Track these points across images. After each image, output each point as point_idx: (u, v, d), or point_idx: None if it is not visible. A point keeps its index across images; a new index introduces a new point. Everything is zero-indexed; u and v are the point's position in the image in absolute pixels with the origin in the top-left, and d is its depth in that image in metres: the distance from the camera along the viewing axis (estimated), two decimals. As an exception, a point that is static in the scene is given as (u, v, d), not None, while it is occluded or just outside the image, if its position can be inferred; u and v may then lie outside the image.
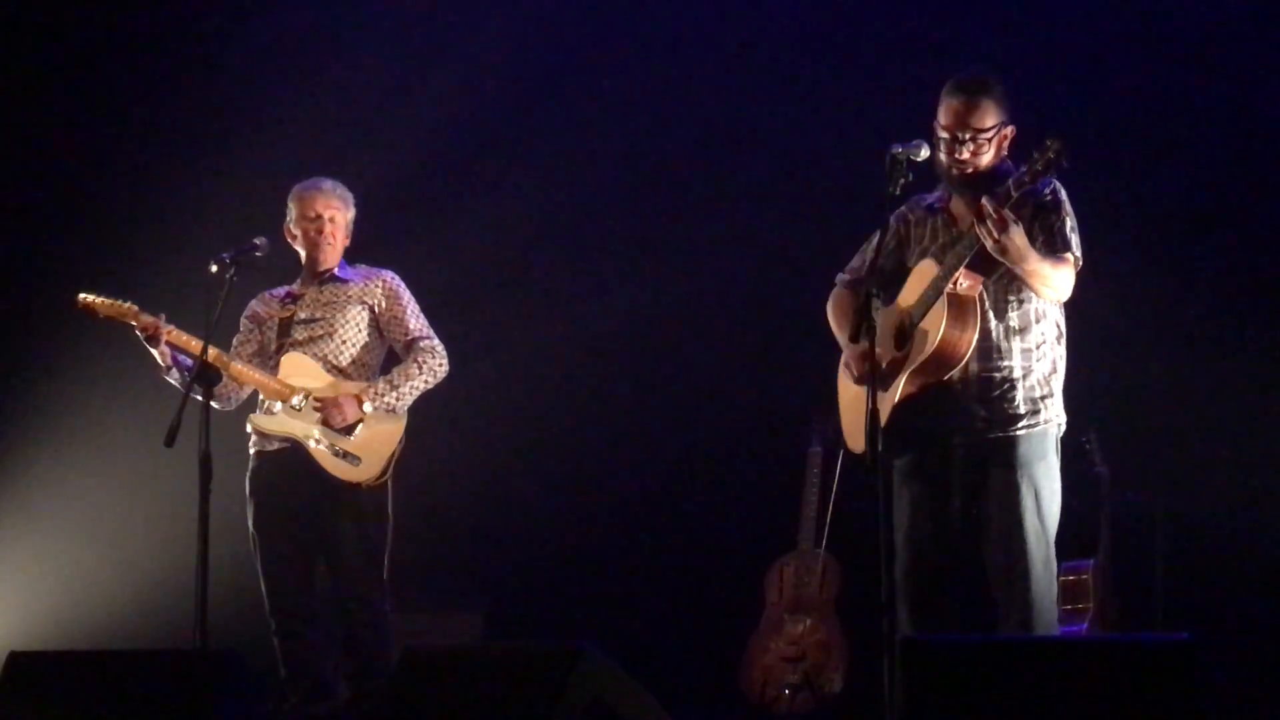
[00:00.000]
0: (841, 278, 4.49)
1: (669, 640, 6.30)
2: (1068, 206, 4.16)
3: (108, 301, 5.11)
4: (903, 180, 4.11)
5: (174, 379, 5.05)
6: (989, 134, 4.15)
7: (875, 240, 4.40)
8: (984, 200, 3.99)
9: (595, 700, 3.67)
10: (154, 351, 5.10)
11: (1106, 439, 5.90)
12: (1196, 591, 5.77)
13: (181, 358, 5.07)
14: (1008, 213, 3.94)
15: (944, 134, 4.17)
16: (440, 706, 3.80)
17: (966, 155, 4.15)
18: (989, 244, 3.97)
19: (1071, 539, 5.60)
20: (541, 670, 3.68)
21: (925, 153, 4.12)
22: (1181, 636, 3.40)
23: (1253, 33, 5.99)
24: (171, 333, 5.07)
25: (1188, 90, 6.07)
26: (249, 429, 5.21)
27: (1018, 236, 3.96)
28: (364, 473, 5.09)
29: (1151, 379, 5.97)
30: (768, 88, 6.54)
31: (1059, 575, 5.60)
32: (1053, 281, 4.10)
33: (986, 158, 4.17)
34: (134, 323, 5.08)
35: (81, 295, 5.14)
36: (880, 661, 3.70)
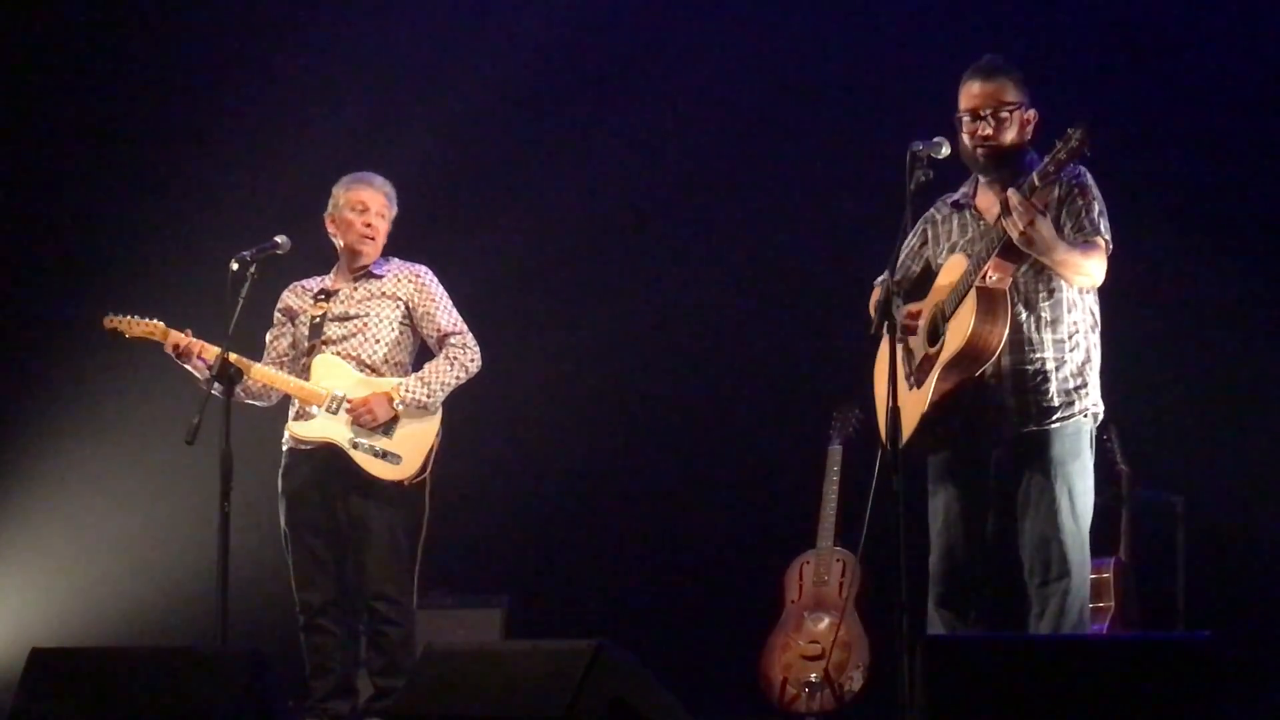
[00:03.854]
0: (879, 280, 4.48)
1: (689, 638, 6.29)
2: (1095, 190, 4.14)
3: (134, 321, 5.14)
4: (922, 177, 4.11)
5: (217, 390, 4.95)
6: (1010, 109, 4.16)
7: (908, 239, 4.42)
8: (1009, 192, 3.97)
9: (615, 698, 3.67)
10: (188, 367, 5.12)
11: (1127, 436, 5.87)
12: (1218, 590, 5.74)
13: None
14: (1034, 203, 3.92)
15: (966, 116, 4.18)
16: (461, 703, 3.81)
17: (990, 130, 4.14)
18: (1015, 236, 3.95)
19: (1092, 537, 5.59)
20: (561, 668, 3.69)
21: (946, 150, 4.13)
22: (1203, 635, 3.39)
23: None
24: (204, 348, 5.09)
25: (1211, 82, 6.04)
26: (285, 434, 5.22)
27: (1044, 228, 3.95)
28: (405, 470, 5.11)
29: (1173, 375, 5.95)
30: (795, 90, 6.53)
31: (1080, 574, 5.62)
32: (1084, 269, 4.08)
33: (1009, 134, 4.17)
34: (163, 341, 5.11)
35: (107, 319, 5.16)
36: (901, 660, 3.69)
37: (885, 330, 3.95)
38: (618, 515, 6.68)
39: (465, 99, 6.72)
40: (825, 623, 5.76)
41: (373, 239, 5.27)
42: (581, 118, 6.82)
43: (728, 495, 6.59)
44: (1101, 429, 5.75)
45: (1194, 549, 5.80)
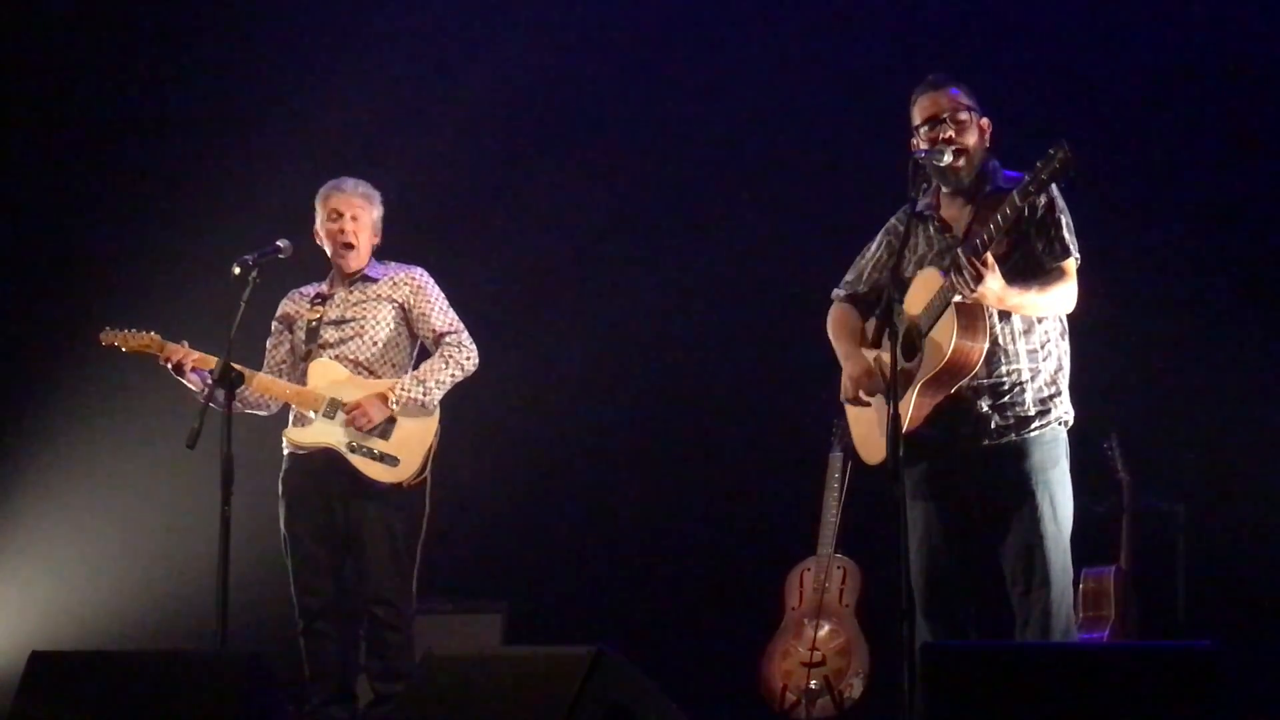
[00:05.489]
0: (838, 293, 4.50)
1: (689, 644, 6.29)
2: (1061, 203, 4.14)
3: (130, 335, 5.14)
4: (925, 186, 4.12)
5: (219, 396, 4.90)
6: (965, 113, 4.18)
7: (873, 250, 4.41)
8: (957, 252, 3.99)
9: (614, 704, 3.67)
10: (184, 381, 5.12)
11: (1128, 444, 5.87)
12: (1219, 598, 5.74)
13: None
14: (988, 259, 3.93)
15: (924, 126, 4.19)
16: (460, 710, 3.81)
17: (951, 133, 4.16)
18: (965, 295, 3.97)
19: (1093, 545, 5.60)
20: (561, 674, 3.68)
21: (949, 158, 4.14)
22: (1204, 644, 3.39)
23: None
24: (198, 359, 5.08)
25: (1216, 86, 6.05)
26: (284, 439, 5.22)
27: (994, 283, 3.96)
28: (403, 472, 5.11)
29: (1174, 383, 5.95)
30: (793, 98, 6.54)
31: (1080, 582, 5.63)
32: (1045, 306, 4.10)
33: (971, 137, 4.18)
34: (159, 354, 5.10)
35: (103, 334, 5.17)
36: (900, 667, 3.69)
37: (886, 338, 3.94)
38: (618, 520, 6.68)
39: (467, 102, 6.73)
40: (825, 629, 5.75)
41: (352, 245, 5.26)
42: (582, 123, 6.83)
43: (728, 501, 6.59)
44: (1103, 437, 5.81)
45: (1195, 557, 5.80)
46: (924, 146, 4.18)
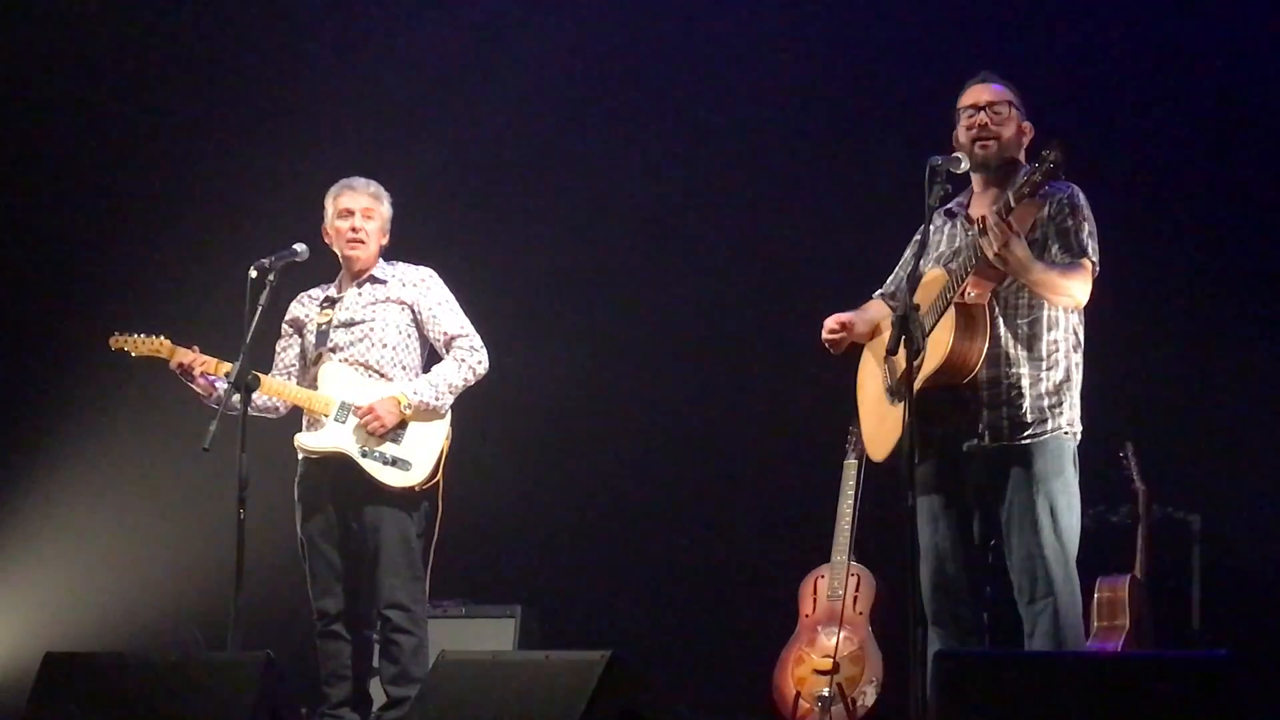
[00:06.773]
0: (878, 292, 4.53)
1: (702, 650, 6.29)
2: (1086, 211, 4.17)
3: (140, 340, 5.15)
4: (941, 192, 4.13)
5: (235, 400, 4.90)
6: (1006, 107, 4.23)
7: (906, 253, 4.44)
8: (986, 213, 4.02)
9: (627, 709, 3.67)
10: (191, 385, 5.13)
11: (1144, 453, 5.86)
12: (1234, 608, 5.73)
13: (220, 384, 5.07)
14: (1010, 224, 3.96)
15: (966, 111, 4.25)
16: (473, 714, 3.81)
17: (986, 120, 4.21)
18: (990, 256, 3.99)
19: (1108, 554, 5.58)
20: (575, 679, 3.69)
21: (965, 165, 4.16)
22: (1219, 653, 3.38)
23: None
24: (206, 363, 5.09)
25: (1225, 95, 6.03)
26: (296, 445, 5.22)
27: (1019, 249, 3.98)
28: (415, 476, 5.10)
29: (1189, 393, 5.94)
30: (811, 101, 6.55)
31: (1095, 591, 5.62)
32: (1063, 289, 4.10)
33: (1008, 130, 4.23)
34: (168, 357, 5.11)
35: (113, 339, 5.17)
36: (913, 674, 3.68)
37: (903, 345, 3.94)
38: (632, 525, 6.68)
39: (480, 106, 6.75)
40: (839, 636, 5.74)
41: (362, 242, 5.26)
42: (598, 127, 6.84)
43: (743, 507, 6.59)
44: (1118, 446, 5.80)
45: (1210, 567, 5.79)
46: (961, 128, 4.23)
